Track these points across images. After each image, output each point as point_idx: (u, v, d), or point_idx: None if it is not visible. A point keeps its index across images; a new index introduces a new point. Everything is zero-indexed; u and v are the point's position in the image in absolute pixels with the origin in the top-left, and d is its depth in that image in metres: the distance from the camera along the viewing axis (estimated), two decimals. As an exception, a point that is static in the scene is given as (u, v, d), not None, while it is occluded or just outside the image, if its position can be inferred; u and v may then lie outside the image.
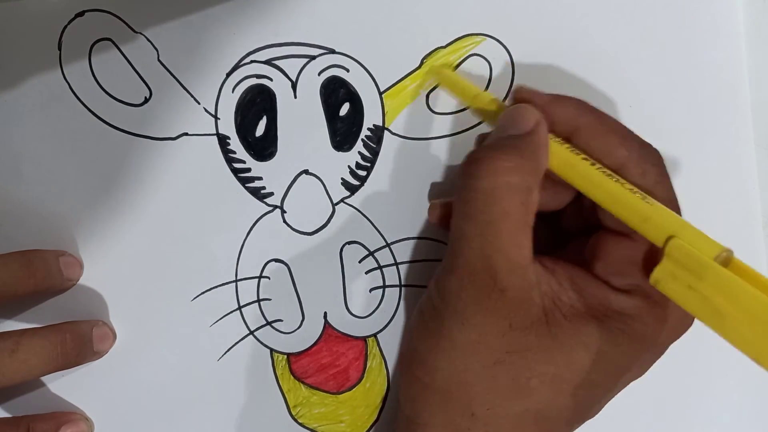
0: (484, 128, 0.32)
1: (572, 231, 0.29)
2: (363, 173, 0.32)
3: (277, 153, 0.32)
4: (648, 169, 0.25)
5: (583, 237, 0.27)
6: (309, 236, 0.32)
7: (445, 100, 0.32)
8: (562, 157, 0.25)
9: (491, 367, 0.25)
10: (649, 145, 0.26)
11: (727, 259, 0.22)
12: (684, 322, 0.26)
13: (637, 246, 0.25)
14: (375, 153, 0.32)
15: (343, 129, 0.32)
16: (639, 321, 0.25)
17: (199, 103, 0.32)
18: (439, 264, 0.26)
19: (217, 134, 0.32)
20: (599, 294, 0.25)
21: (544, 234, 0.27)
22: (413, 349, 0.27)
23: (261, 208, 0.32)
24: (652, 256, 0.24)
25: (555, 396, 0.25)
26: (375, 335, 0.32)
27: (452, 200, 0.27)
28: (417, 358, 0.26)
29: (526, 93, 0.27)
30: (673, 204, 0.25)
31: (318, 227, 0.32)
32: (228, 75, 0.31)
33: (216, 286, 0.32)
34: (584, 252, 0.26)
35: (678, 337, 0.26)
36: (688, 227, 0.22)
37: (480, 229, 0.24)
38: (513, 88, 0.28)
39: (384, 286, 0.32)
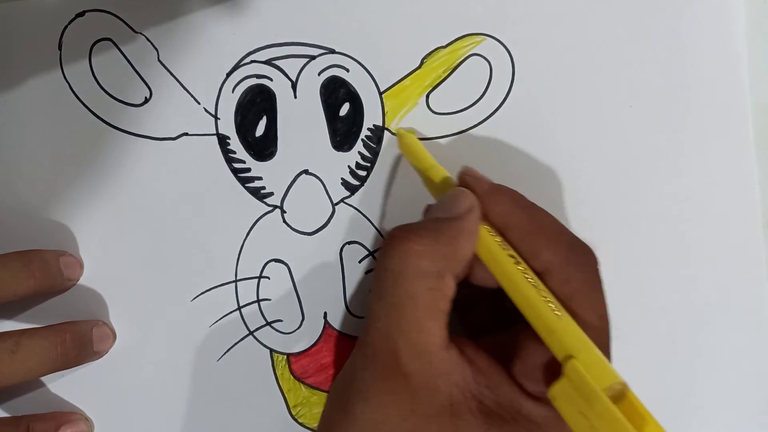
0: (485, 128, 0.32)
1: (511, 312, 0.28)
2: (363, 173, 0.32)
3: (277, 153, 0.32)
4: (572, 276, 0.24)
5: (509, 326, 0.27)
6: (309, 236, 0.32)
7: (445, 100, 0.32)
8: (487, 249, 0.25)
9: None
10: (581, 248, 0.25)
11: (620, 393, 0.21)
12: None
13: (551, 355, 0.24)
14: (375, 153, 0.32)
15: (343, 129, 0.32)
16: (545, 431, 0.24)
17: (199, 103, 0.32)
18: None
19: (217, 134, 0.32)
20: (511, 396, 0.24)
21: (490, 310, 0.27)
22: (325, 417, 0.26)
23: (261, 208, 0.32)
24: (560, 370, 0.23)
25: None
26: (375, 335, 0.32)
27: None
28: (328, 427, 0.26)
29: (470, 178, 0.27)
30: (592, 317, 0.24)
31: (318, 227, 0.32)
32: (228, 75, 0.31)
33: (216, 286, 0.32)
34: (506, 342, 0.26)
35: None
36: (589, 349, 0.22)
37: (386, 311, 0.24)
38: (461, 169, 0.28)
39: (384, 286, 0.32)
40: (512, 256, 0.25)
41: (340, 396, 0.25)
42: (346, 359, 0.32)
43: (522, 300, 0.24)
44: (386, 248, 0.25)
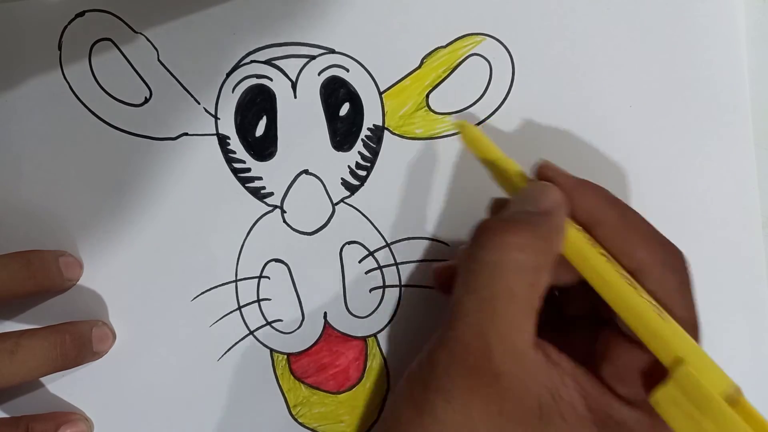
0: (485, 128, 0.32)
1: (578, 315, 0.27)
2: (363, 173, 0.32)
3: (277, 153, 0.32)
4: (667, 278, 0.23)
5: (587, 324, 0.26)
6: (309, 236, 0.32)
7: (445, 100, 0.32)
8: (577, 247, 0.24)
9: None
10: (673, 249, 0.24)
11: (734, 398, 0.21)
12: None
13: (648, 357, 0.23)
14: (375, 153, 0.32)
15: (343, 129, 0.32)
16: None
17: (199, 103, 0.32)
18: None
19: (217, 134, 0.32)
20: (602, 400, 0.23)
21: (546, 314, 0.25)
22: (396, 416, 0.25)
23: (261, 208, 0.32)
24: (660, 372, 0.22)
25: None
26: (375, 335, 0.32)
27: (454, 263, 0.25)
28: (397, 427, 0.24)
29: (551, 171, 0.26)
30: (688, 320, 0.23)
31: (318, 227, 0.32)
32: (228, 75, 0.31)
33: (216, 286, 0.32)
34: (589, 345, 0.25)
35: None
36: (700, 353, 0.21)
37: (480, 305, 0.23)
38: (538, 163, 0.26)
39: (384, 286, 0.32)
40: (603, 254, 0.23)
41: (416, 392, 0.24)
42: (346, 359, 0.32)
43: (620, 301, 0.22)
44: (482, 239, 0.23)
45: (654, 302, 0.22)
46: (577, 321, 0.27)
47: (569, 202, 0.25)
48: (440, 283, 0.28)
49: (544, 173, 0.26)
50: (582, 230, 0.24)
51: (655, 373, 0.23)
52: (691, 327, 0.23)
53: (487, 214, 0.28)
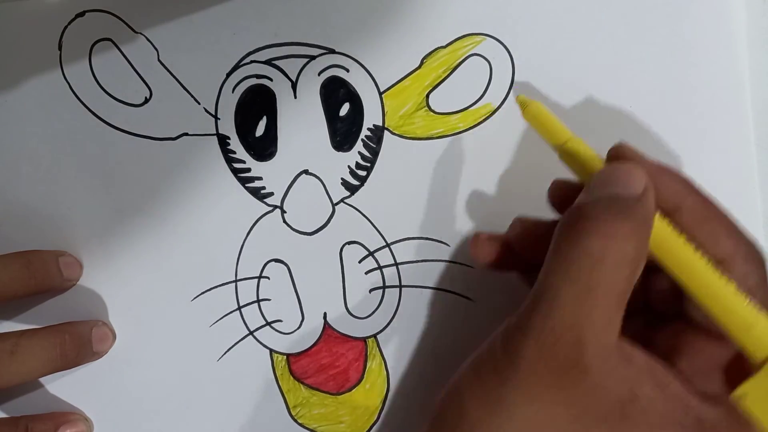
0: (485, 128, 0.32)
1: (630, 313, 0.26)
2: (363, 173, 0.32)
3: (277, 153, 0.32)
4: (751, 271, 0.22)
5: (638, 316, 0.25)
6: (309, 236, 0.32)
7: (445, 100, 0.32)
8: (662, 235, 0.22)
9: None
10: (756, 244, 0.23)
11: None
12: None
13: (729, 351, 0.22)
14: (375, 153, 0.32)
15: (343, 129, 0.32)
16: None
17: (199, 103, 0.32)
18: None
19: (217, 134, 0.32)
20: (681, 395, 0.22)
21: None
22: (461, 412, 0.23)
23: (261, 208, 0.32)
24: (742, 366, 0.22)
25: None
26: (375, 336, 0.32)
27: (504, 235, 0.24)
28: (466, 422, 0.23)
29: (630, 153, 0.24)
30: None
31: (318, 227, 0.32)
32: (228, 75, 0.31)
33: (216, 286, 0.32)
34: (646, 336, 0.24)
35: None
36: None
37: (578, 296, 0.21)
38: (615, 146, 0.25)
39: (384, 287, 0.32)
40: (688, 242, 0.22)
41: (489, 387, 0.22)
42: (346, 360, 0.32)
43: (709, 293, 0.22)
44: (585, 225, 0.22)
45: (743, 294, 0.22)
46: (639, 314, 0.26)
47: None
48: (486, 255, 0.27)
49: (622, 155, 0.25)
50: (664, 217, 0.23)
51: (736, 369, 0.22)
52: None
53: (549, 196, 0.27)
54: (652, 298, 0.25)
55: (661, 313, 0.25)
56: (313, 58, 0.31)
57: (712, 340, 0.23)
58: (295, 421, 0.32)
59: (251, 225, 0.32)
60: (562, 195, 0.27)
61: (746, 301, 0.21)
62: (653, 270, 0.24)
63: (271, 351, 0.32)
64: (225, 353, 0.32)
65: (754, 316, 0.21)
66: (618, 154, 0.25)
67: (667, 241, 0.23)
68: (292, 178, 0.32)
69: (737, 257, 0.22)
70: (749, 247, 0.23)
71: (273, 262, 0.32)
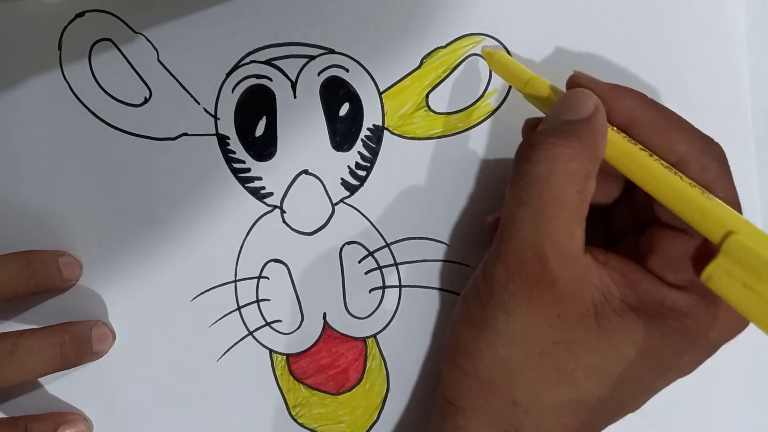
0: (485, 128, 0.32)
1: (622, 230, 0.28)
2: (363, 173, 0.32)
3: (277, 153, 0.32)
4: (708, 164, 0.24)
5: (634, 234, 0.27)
6: (308, 236, 0.32)
7: (445, 100, 0.32)
8: (618, 147, 0.25)
9: (536, 358, 0.24)
10: (710, 140, 0.25)
11: None
12: (739, 323, 0.25)
13: (694, 242, 0.24)
14: (375, 153, 0.32)
15: (343, 129, 0.32)
16: (692, 319, 0.24)
17: (199, 103, 0.32)
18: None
19: (217, 134, 0.32)
20: (652, 289, 0.24)
21: (595, 233, 0.26)
22: (456, 336, 0.26)
23: (260, 208, 0.32)
24: (708, 253, 0.24)
25: (597, 388, 0.25)
26: (374, 336, 0.32)
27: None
28: (460, 346, 0.26)
29: (584, 80, 0.26)
30: (733, 202, 0.24)
31: (317, 227, 0.32)
32: (228, 75, 0.31)
33: (215, 287, 0.32)
34: (636, 247, 0.26)
35: (732, 337, 0.25)
36: (748, 225, 0.22)
37: (533, 216, 0.24)
38: (571, 75, 0.27)
39: (384, 287, 0.32)
40: (643, 150, 0.24)
41: (474, 311, 0.25)
42: (346, 360, 0.32)
43: (666, 190, 0.23)
44: (529, 153, 0.24)
45: (698, 186, 0.23)
46: (620, 236, 0.28)
47: (605, 106, 0.25)
48: (491, 231, 0.28)
49: (577, 83, 0.26)
50: (619, 131, 0.25)
51: (703, 255, 0.24)
52: (735, 206, 0.24)
53: (522, 135, 0.29)
54: (638, 207, 0.27)
55: (646, 221, 0.26)
56: (312, 58, 0.31)
57: (678, 234, 0.25)
58: (295, 421, 0.32)
59: (251, 225, 0.32)
60: (531, 131, 0.28)
61: (699, 190, 0.23)
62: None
63: (271, 351, 0.32)
64: (225, 353, 0.32)
65: (708, 202, 0.22)
66: (575, 83, 0.26)
67: (624, 152, 0.24)
68: (291, 178, 0.32)
69: (691, 155, 0.24)
70: (704, 144, 0.25)
71: (272, 262, 0.32)
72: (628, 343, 0.24)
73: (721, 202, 0.23)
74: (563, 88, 0.27)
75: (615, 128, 0.25)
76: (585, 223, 0.24)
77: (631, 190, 0.28)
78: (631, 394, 0.25)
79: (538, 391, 0.25)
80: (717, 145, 0.25)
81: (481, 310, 0.25)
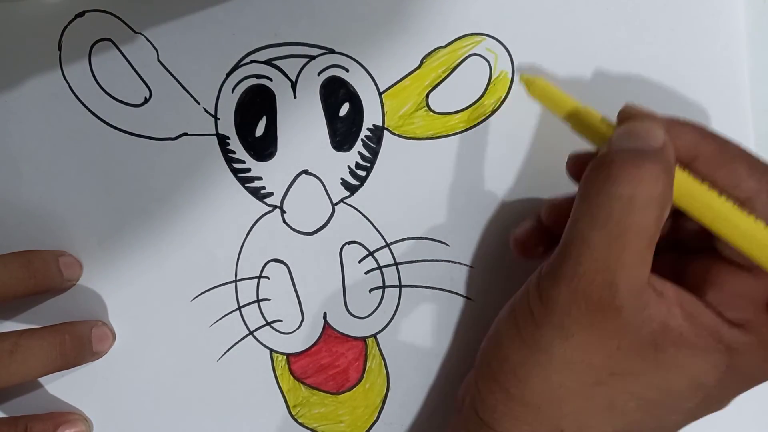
0: (485, 128, 0.32)
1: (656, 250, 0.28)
2: (363, 173, 0.32)
3: (277, 153, 0.32)
4: None
5: (673, 256, 0.26)
6: (309, 236, 0.32)
7: (445, 100, 0.32)
8: (683, 185, 0.23)
9: (589, 387, 0.24)
10: None
11: None
12: None
13: (758, 281, 0.24)
14: (375, 153, 0.32)
15: (343, 129, 0.32)
16: (746, 358, 0.23)
17: (199, 103, 0.32)
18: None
19: (217, 134, 0.32)
20: (711, 324, 0.23)
21: None
22: (502, 357, 0.25)
23: (261, 208, 0.32)
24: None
25: (646, 419, 0.24)
26: (375, 336, 0.32)
27: (536, 223, 0.26)
28: (506, 367, 0.25)
29: (640, 112, 0.25)
30: None
31: (318, 227, 0.32)
32: (228, 75, 0.31)
33: (216, 286, 0.32)
34: (677, 271, 0.25)
35: None
36: None
37: (609, 240, 0.22)
38: (623, 108, 0.26)
39: (384, 287, 0.32)
40: (711, 189, 0.23)
41: (526, 332, 0.24)
42: (346, 359, 0.32)
43: (738, 233, 0.23)
44: (612, 172, 0.22)
45: None
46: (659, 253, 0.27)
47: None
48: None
49: (630, 115, 0.25)
50: (683, 168, 0.24)
51: (765, 298, 0.23)
52: None
53: (568, 169, 0.28)
54: (683, 236, 0.26)
55: (692, 249, 0.26)
56: (312, 58, 0.31)
57: (740, 271, 0.24)
58: (295, 420, 0.32)
59: (251, 225, 0.32)
60: (580, 165, 0.27)
61: None
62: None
63: (271, 351, 0.32)
64: (225, 353, 0.32)
65: None
66: (629, 115, 0.25)
67: (690, 190, 0.23)
68: (291, 178, 0.32)
69: (761, 193, 0.23)
70: None
71: (273, 262, 0.32)
72: (683, 378, 0.23)
73: None
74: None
75: (679, 166, 0.24)
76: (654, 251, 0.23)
77: (675, 215, 0.26)
78: (674, 425, 0.25)
79: (586, 421, 0.24)
80: None
81: (533, 332, 0.24)
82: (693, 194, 0.24)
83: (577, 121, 0.27)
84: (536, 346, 0.24)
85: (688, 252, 0.26)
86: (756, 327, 0.23)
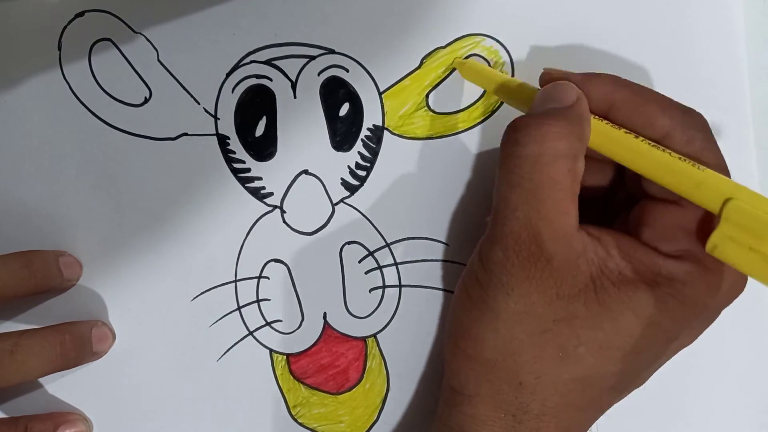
0: (485, 128, 0.32)
1: (619, 209, 0.28)
2: (362, 173, 0.32)
3: (277, 153, 0.32)
4: (693, 136, 0.25)
5: (627, 212, 0.27)
6: (309, 236, 0.32)
7: (445, 100, 0.32)
8: (602, 133, 0.25)
9: (538, 336, 0.25)
10: (690, 111, 0.25)
11: None
12: (736, 287, 0.25)
13: (686, 212, 0.25)
14: (375, 153, 0.32)
15: (343, 129, 0.32)
16: (689, 286, 0.24)
17: (199, 103, 0.32)
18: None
19: (217, 134, 0.32)
20: (648, 260, 0.25)
21: (592, 219, 0.26)
22: (457, 321, 0.27)
23: (261, 208, 0.32)
24: (704, 222, 0.24)
25: (602, 363, 0.25)
26: (375, 335, 0.32)
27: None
28: (461, 330, 0.26)
29: (557, 74, 0.27)
30: (722, 168, 0.25)
31: (318, 227, 0.32)
32: (228, 75, 0.31)
33: (215, 287, 0.32)
34: (628, 221, 0.26)
35: (729, 302, 0.26)
36: (744, 190, 0.22)
37: (525, 197, 0.24)
38: (542, 73, 0.28)
39: (384, 286, 0.32)
40: (627, 132, 0.25)
41: (474, 294, 0.26)
42: (346, 359, 0.32)
43: (656, 167, 0.24)
44: (517, 134, 0.24)
45: (687, 159, 0.24)
46: (615, 215, 0.28)
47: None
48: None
49: (549, 78, 0.27)
50: (600, 118, 0.25)
51: (697, 224, 0.25)
52: (725, 172, 0.25)
53: (504, 135, 0.28)
54: (628, 185, 0.28)
55: (637, 196, 0.27)
56: (312, 58, 0.31)
57: (669, 205, 0.25)
58: (295, 420, 0.32)
59: (251, 225, 0.32)
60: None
61: (689, 163, 0.23)
62: None
63: (271, 351, 0.32)
64: (225, 353, 0.32)
65: (700, 174, 0.23)
66: (548, 78, 0.27)
67: (609, 137, 0.25)
68: (291, 178, 0.32)
69: (675, 129, 0.25)
70: (686, 116, 0.25)
71: (273, 262, 0.32)
72: (628, 315, 0.24)
73: (713, 171, 0.23)
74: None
75: (596, 116, 0.26)
76: (577, 201, 0.25)
77: (621, 172, 0.28)
78: (634, 368, 0.25)
79: (542, 370, 0.25)
80: (699, 115, 0.26)
81: (480, 293, 0.25)
82: (611, 139, 0.25)
83: (507, 93, 0.28)
84: (484, 306, 0.25)
85: (631, 199, 0.27)
86: (693, 255, 0.24)
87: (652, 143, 0.24)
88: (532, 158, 0.24)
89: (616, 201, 0.29)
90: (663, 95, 0.26)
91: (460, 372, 0.26)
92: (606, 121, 0.25)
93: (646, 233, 0.25)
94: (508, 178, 0.25)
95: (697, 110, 0.26)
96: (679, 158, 0.23)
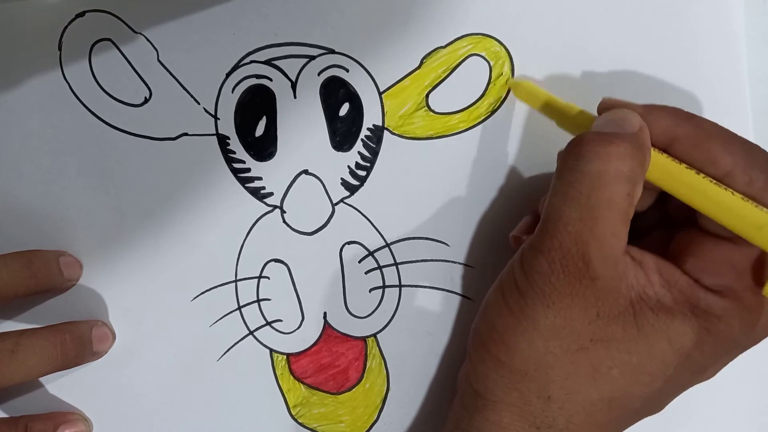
0: (485, 128, 0.32)
1: (647, 226, 0.28)
2: (362, 173, 0.32)
3: (277, 153, 0.32)
4: (755, 177, 0.24)
5: (662, 232, 0.27)
6: (309, 236, 0.32)
7: (445, 100, 0.32)
8: (662, 166, 0.25)
9: (573, 353, 0.25)
10: (755, 148, 0.25)
11: None
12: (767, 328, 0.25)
13: (738, 249, 0.25)
14: (375, 153, 0.32)
15: (343, 129, 0.32)
16: (724, 322, 0.24)
17: (199, 103, 0.32)
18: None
19: (217, 134, 0.32)
20: (689, 290, 0.24)
21: None
22: (489, 323, 0.26)
23: (261, 208, 0.32)
24: (757, 262, 0.24)
25: (632, 386, 0.25)
26: (375, 335, 0.32)
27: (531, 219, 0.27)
28: (494, 334, 0.26)
29: (618, 103, 0.26)
30: None
31: (318, 227, 0.32)
32: (228, 75, 0.31)
33: (216, 286, 0.32)
34: (663, 245, 0.26)
35: (758, 342, 0.26)
36: None
37: (581, 213, 0.24)
38: (602, 101, 0.28)
39: (384, 286, 0.32)
40: (689, 168, 0.25)
41: (512, 301, 0.25)
42: (346, 359, 0.32)
43: (716, 206, 0.24)
44: (581, 151, 0.24)
45: (748, 199, 0.23)
46: (645, 231, 0.28)
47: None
48: (516, 246, 0.29)
49: (609, 106, 0.27)
50: (660, 152, 0.25)
51: (751, 263, 0.24)
52: None
53: (567, 147, 0.28)
54: (671, 210, 0.28)
55: (679, 222, 0.27)
56: (312, 58, 0.31)
57: (721, 241, 0.25)
58: (295, 420, 0.32)
59: (251, 225, 0.32)
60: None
61: (751, 205, 0.23)
62: None
63: (271, 351, 0.32)
64: (225, 353, 0.32)
65: (764, 216, 0.23)
66: (607, 106, 0.27)
67: (668, 171, 0.25)
68: (291, 178, 0.32)
69: (737, 168, 0.24)
70: (749, 155, 0.24)
71: (273, 262, 0.32)
72: (663, 343, 0.24)
73: None
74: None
75: (657, 149, 0.25)
76: (629, 225, 0.24)
77: (664, 198, 0.28)
78: (660, 395, 0.26)
79: (573, 387, 0.25)
80: (762, 152, 0.25)
81: (518, 300, 0.25)
82: (672, 174, 0.25)
83: (562, 117, 0.28)
84: (522, 314, 0.25)
85: (675, 225, 0.27)
86: (736, 293, 0.24)
87: (714, 180, 0.24)
88: (594, 175, 0.24)
89: (651, 217, 0.28)
90: (725, 129, 0.25)
91: (487, 377, 0.26)
92: (666, 155, 0.25)
93: (690, 263, 0.25)
94: (566, 190, 0.24)
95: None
96: (742, 198, 0.23)
